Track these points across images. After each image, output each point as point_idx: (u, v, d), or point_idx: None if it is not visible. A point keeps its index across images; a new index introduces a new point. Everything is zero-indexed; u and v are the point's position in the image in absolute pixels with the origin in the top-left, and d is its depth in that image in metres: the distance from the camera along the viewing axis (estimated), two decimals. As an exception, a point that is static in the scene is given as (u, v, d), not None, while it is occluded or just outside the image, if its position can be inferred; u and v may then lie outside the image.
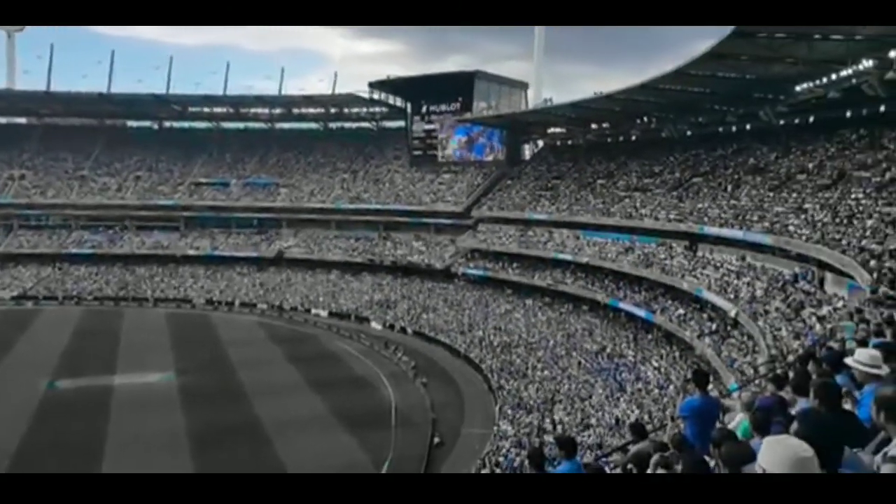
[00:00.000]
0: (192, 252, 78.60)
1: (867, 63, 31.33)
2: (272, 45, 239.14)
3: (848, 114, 40.53)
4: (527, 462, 6.67)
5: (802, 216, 34.45)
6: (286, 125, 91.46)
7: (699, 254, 43.44)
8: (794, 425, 3.55)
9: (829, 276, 29.74)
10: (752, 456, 3.07)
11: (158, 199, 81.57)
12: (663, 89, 44.31)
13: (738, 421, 6.81)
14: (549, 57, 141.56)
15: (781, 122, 45.12)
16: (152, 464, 29.14)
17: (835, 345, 9.49)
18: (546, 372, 42.79)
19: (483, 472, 29.32)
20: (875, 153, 35.89)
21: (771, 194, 39.99)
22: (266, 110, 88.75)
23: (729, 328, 35.09)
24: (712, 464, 4.35)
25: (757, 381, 14.74)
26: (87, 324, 61.84)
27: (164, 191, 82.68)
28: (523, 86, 79.57)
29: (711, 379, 27.33)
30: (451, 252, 69.12)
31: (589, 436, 30.81)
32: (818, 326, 23.81)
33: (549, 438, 29.58)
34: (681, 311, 41.12)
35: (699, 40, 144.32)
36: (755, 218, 38.24)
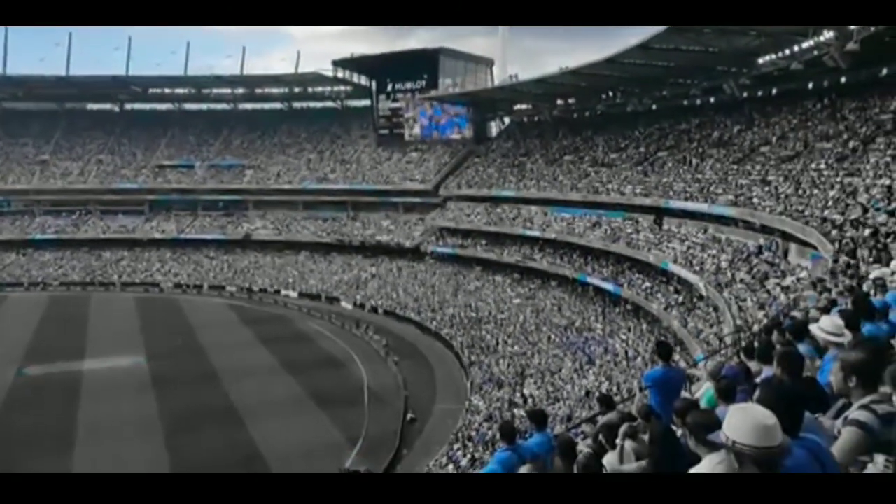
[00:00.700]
0: (158, 235, 77.69)
1: (828, 34, 31.72)
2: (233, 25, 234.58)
3: (810, 85, 41.17)
4: (498, 435, 6.72)
5: (766, 188, 34.95)
6: (249, 105, 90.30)
7: (665, 227, 43.92)
8: (757, 393, 3.64)
9: (792, 246, 30.22)
10: (717, 424, 3.12)
11: (122, 182, 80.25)
12: (628, 64, 44.42)
13: (703, 390, 6.97)
14: (515, 33, 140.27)
15: (745, 94, 45.57)
16: (126, 449, 29.06)
17: (798, 314, 9.66)
18: (516, 347, 43.09)
19: (455, 446, 29.66)
20: (836, 124, 36.49)
21: (735, 167, 40.47)
22: (228, 90, 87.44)
23: (695, 300, 35.53)
24: (679, 432, 4.45)
25: (723, 352, 15.02)
26: (55, 310, 60.89)
27: (127, 174, 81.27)
28: (489, 62, 79.33)
29: (678, 350, 27.83)
30: (420, 230, 69.02)
31: (559, 408, 31.10)
32: (782, 297, 24.21)
33: (520, 412, 29.87)
34: (647, 284, 41.59)
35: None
36: (720, 191, 38.72)
